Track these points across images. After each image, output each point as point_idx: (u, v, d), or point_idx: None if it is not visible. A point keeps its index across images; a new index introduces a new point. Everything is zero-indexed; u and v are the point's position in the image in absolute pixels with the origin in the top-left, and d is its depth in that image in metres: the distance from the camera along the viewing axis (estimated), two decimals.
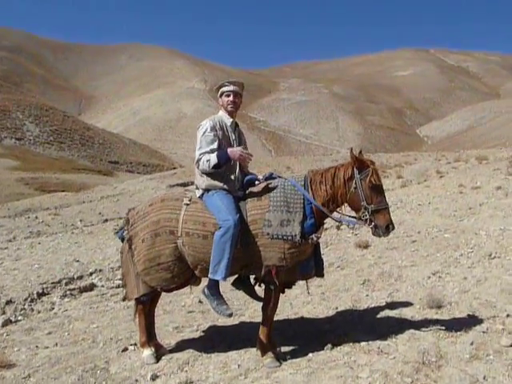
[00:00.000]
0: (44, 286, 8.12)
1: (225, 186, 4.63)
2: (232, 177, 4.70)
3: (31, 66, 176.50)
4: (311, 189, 4.57)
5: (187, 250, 4.54)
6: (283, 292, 4.80)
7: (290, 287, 4.88)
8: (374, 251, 8.58)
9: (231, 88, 4.78)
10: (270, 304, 4.59)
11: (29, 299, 7.53)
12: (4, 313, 7.09)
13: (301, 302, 6.24)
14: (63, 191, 37.15)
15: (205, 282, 4.72)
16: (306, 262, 4.59)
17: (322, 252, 9.00)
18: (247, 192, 4.71)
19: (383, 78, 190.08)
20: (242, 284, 4.95)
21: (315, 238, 4.47)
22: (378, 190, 4.41)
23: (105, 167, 73.66)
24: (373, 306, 5.90)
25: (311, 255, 4.63)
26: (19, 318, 6.88)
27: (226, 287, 5.24)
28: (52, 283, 8.28)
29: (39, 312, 7.14)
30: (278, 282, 4.46)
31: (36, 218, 17.02)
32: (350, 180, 4.47)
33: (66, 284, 8.30)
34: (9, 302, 7.36)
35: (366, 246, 8.86)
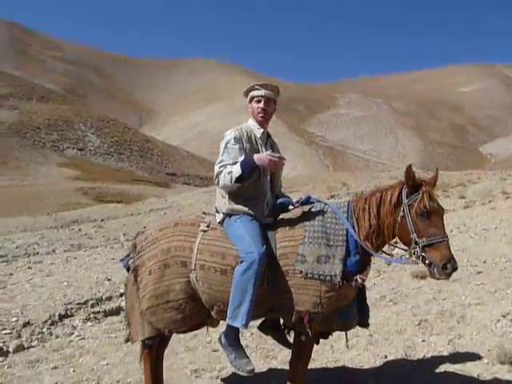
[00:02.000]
0: (68, 306, 7.52)
1: (250, 211, 3.79)
2: (260, 200, 3.86)
3: (95, 80, 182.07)
4: (355, 218, 3.68)
5: (201, 287, 3.71)
6: (317, 343, 3.91)
7: (325, 337, 3.96)
8: (433, 283, 7.50)
9: (262, 93, 3.92)
10: (300, 358, 3.73)
11: (49, 321, 6.94)
12: (20, 336, 6.52)
13: (344, 345, 5.26)
14: (120, 202, 37.38)
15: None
16: (347, 309, 3.68)
17: (374, 282, 8.09)
18: (278, 219, 3.86)
19: (445, 95, 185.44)
20: (271, 328, 4.10)
21: (360, 280, 3.55)
22: (430, 218, 3.43)
23: (162, 179, 74.61)
24: (430, 355, 4.90)
25: (354, 300, 3.72)
26: (33, 343, 6.31)
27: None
28: (78, 304, 7.67)
29: (57, 337, 6.56)
30: (311, 332, 3.58)
31: (79, 230, 16.70)
32: (398, 207, 3.54)
33: (92, 306, 7.66)
34: (26, 325, 6.78)
35: (424, 277, 7.77)
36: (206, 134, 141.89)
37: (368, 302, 6.90)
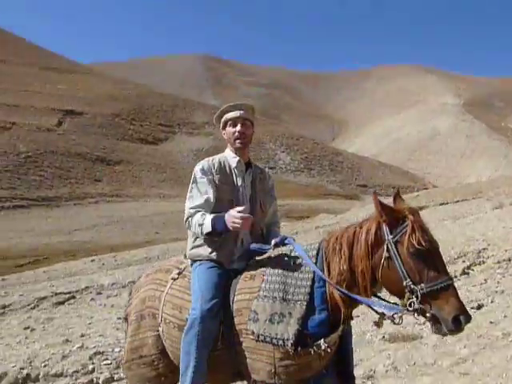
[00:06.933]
0: None
1: (213, 255, 3.26)
2: (230, 240, 3.30)
3: (286, 99, 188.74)
4: (326, 262, 2.97)
5: (166, 343, 3.32)
6: None
7: None
8: None
9: (237, 114, 3.42)
10: None
11: None
12: (119, 367, 6.77)
13: None
14: (307, 217, 37.77)
15: None
16: (318, 380, 2.93)
17: (504, 314, 6.66)
18: (248, 264, 3.26)
19: None
20: None
21: (323, 346, 2.80)
22: (427, 257, 2.65)
23: (353, 191, 74.41)
24: None
25: (327, 368, 2.97)
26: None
27: None
28: None
29: None
30: None
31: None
32: (378, 246, 2.77)
33: None
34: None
35: None
36: (401, 141, 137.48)
37: (487, 339, 5.58)
